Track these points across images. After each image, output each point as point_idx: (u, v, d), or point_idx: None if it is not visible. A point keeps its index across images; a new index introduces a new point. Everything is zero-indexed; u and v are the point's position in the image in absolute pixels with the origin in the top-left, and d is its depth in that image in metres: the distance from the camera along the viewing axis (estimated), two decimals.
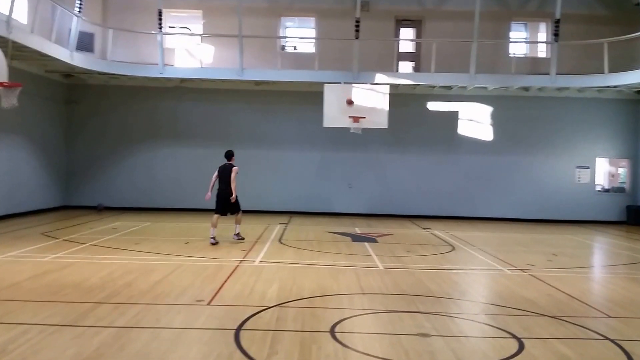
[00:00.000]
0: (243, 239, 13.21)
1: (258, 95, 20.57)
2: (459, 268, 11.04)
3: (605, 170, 21.40)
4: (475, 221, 20.01)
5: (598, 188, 21.09)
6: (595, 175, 20.99)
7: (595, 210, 20.69)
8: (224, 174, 12.76)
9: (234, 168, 12.74)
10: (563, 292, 8.90)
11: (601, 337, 6.55)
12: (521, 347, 6.01)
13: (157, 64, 18.74)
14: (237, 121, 20.59)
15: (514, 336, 6.41)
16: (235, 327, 6.42)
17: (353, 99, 17.72)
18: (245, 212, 20.47)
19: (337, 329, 6.50)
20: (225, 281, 8.89)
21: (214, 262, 10.68)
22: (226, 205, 12.76)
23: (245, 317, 6.83)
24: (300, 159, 20.78)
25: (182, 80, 19.95)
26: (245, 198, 20.94)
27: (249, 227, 16.36)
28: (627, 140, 20.81)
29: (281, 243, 13.38)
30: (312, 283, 8.96)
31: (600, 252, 14.52)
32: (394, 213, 20.53)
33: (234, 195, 12.61)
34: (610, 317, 7.50)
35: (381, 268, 10.53)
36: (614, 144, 20.86)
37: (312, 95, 19.39)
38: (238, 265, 10.24)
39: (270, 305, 7.47)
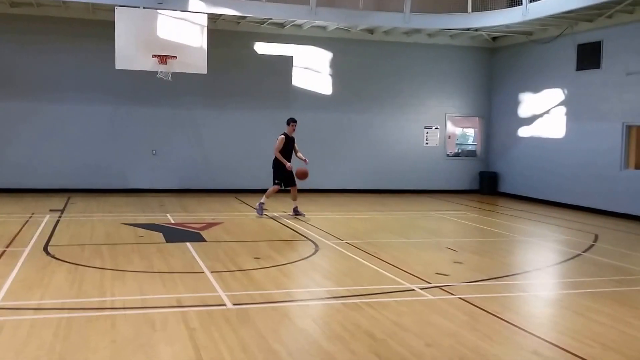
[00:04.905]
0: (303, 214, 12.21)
1: (14, 22, 14.51)
2: (354, 294, 6.60)
3: (445, 132, 18.51)
4: (306, 194, 15.11)
5: (448, 152, 18.54)
6: (446, 137, 18.39)
7: (444, 178, 18.13)
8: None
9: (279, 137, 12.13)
10: (551, 343, 5.19)
11: None
12: None
13: None
14: None
15: None
16: None
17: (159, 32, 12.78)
18: (1, 191, 14.72)
19: None
20: None
21: None
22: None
23: None
24: (83, 115, 15.16)
25: None
26: (1, 172, 15.00)
27: None
28: (480, 96, 18.41)
29: (47, 253, 8.05)
30: None
31: (507, 242, 10.65)
32: (214, 187, 16.12)
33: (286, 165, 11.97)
34: None
35: (230, 306, 6.00)
36: (465, 101, 18.31)
37: (97, 25, 14.35)
38: None
39: None
